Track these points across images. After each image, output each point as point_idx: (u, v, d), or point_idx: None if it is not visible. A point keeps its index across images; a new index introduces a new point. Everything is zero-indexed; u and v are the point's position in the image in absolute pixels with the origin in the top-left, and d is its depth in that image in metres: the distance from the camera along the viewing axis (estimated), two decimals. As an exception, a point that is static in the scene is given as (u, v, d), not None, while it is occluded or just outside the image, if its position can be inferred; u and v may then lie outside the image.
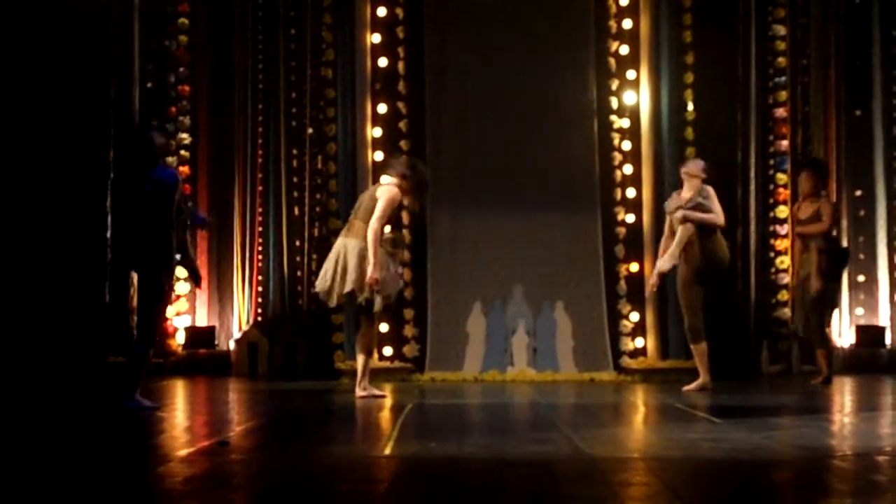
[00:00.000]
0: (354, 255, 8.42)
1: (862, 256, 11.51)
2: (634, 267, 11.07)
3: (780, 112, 11.52)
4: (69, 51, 10.48)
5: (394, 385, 10.03)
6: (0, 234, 9.68)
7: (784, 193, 11.42)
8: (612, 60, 11.51)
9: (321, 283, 8.62)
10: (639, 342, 10.98)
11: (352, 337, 11.27)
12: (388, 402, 8.43)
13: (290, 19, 11.53)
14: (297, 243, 11.44)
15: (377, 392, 8.64)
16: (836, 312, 10.53)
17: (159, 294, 7.58)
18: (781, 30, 11.52)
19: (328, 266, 8.58)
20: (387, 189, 8.53)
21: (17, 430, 6.55)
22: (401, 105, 11.51)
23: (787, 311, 11.32)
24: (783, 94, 11.51)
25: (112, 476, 4.77)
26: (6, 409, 7.65)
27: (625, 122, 11.47)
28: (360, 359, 8.61)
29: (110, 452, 5.68)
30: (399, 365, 11.12)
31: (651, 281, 9.69)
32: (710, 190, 9.34)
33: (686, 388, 9.10)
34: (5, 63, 9.70)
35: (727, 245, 9.47)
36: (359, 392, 8.52)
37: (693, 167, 9.50)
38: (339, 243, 8.59)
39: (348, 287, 8.42)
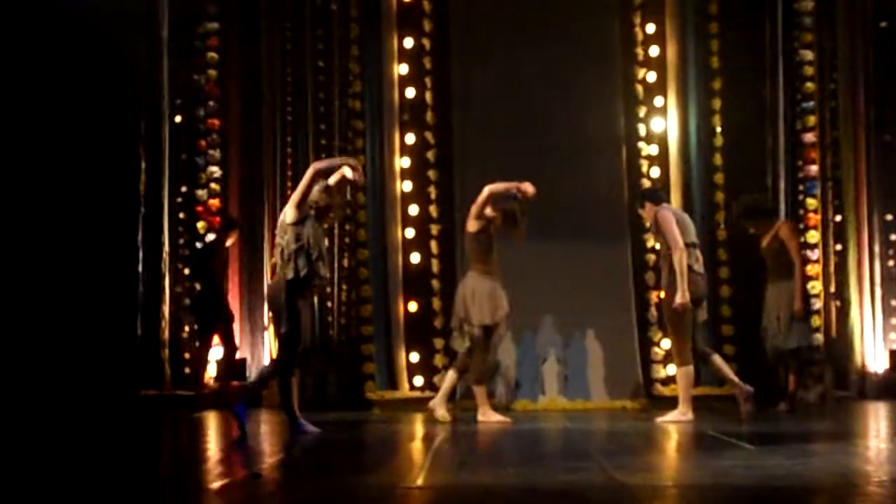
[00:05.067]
0: None
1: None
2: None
3: (809, 137, 11.48)
4: (97, 85, 10.57)
5: (426, 414, 10.00)
6: (31, 268, 9.73)
7: (814, 218, 11.36)
8: (639, 87, 11.53)
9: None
10: (670, 369, 10.92)
11: (382, 367, 11.31)
12: (419, 431, 8.41)
13: (317, 52, 11.59)
14: (327, 275, 11.46)
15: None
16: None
17: None
18: (809, 55, 11.50)
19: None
20: None
21: (49, 463, 6.56)
22: (428, 135, 11.54)
23: (819, 337, 11.25)
24: (811, 119, 11.48)
25: (145, 509, 4.77)
26: (38, 441, 7.67)
27: (653, 149, 11.47)
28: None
29: (144, 485, 5.68)
30: (430, 394, 11.09)
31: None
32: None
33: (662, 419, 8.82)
34: (35, 99, 9.77)
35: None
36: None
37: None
38: None
39: None
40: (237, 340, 11.02)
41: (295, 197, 8.01)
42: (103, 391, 10.98)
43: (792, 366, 9.77)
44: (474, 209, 9.01)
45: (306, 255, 7.96)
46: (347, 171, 8.10)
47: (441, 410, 9.06)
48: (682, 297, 8.73)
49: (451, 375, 9.26)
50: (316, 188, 8.05)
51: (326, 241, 8.74)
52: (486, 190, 8.91)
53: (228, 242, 11.02)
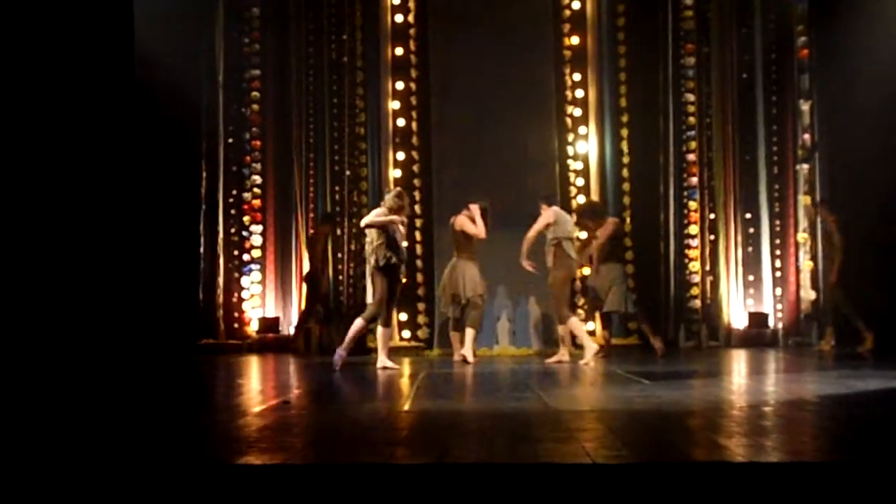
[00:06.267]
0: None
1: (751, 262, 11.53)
2: (586, 271, 11.00)
3: (691, 157, 11.54)
4: (172, 117, 10.47)
5: (411, 358, 10.02)
6: (123, 252, 9.65)
7: (695, 216, 11.44)
8: (568, 120, 11.54)
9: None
10: (590, 325, 10.95)
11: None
12: (406, 370, 8.42)
13: (332, 92, 11.56)
14: (339, 255, 11.44)
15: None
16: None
17: None
18: (691, 97, 11.56)
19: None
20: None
21: (130, 393, 6.55)
22: (414, 153, 11.53)
23: (697, 302, 11.33)
24: (693, 144, 11.53)
25: (204, 426, 4.77)
26: (125, 379, 7.66)
27: (578, 165, 11.49)
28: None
29: (202, 409, 5.67)
30: (415, 344, 11.12)
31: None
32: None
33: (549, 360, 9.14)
34: (139, 132, 9.63)
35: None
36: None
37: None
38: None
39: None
40: (319, 306, 11.07)
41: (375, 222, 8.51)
42: (174, 339, 10.99)
43: (641, 321, 10.12)
44: (469, 226, 9.41)
45: (386, 247, 8.38)
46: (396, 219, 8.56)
47: (470, 356, 9.18)
48: (523, 261, 9.18)
49: (469, 332, 9.36)
50: (390, 195, 8.68)
51: (404, 233, 8.91)
52: (479, 223, 9.40)
53: (326, 233, 11.18)
